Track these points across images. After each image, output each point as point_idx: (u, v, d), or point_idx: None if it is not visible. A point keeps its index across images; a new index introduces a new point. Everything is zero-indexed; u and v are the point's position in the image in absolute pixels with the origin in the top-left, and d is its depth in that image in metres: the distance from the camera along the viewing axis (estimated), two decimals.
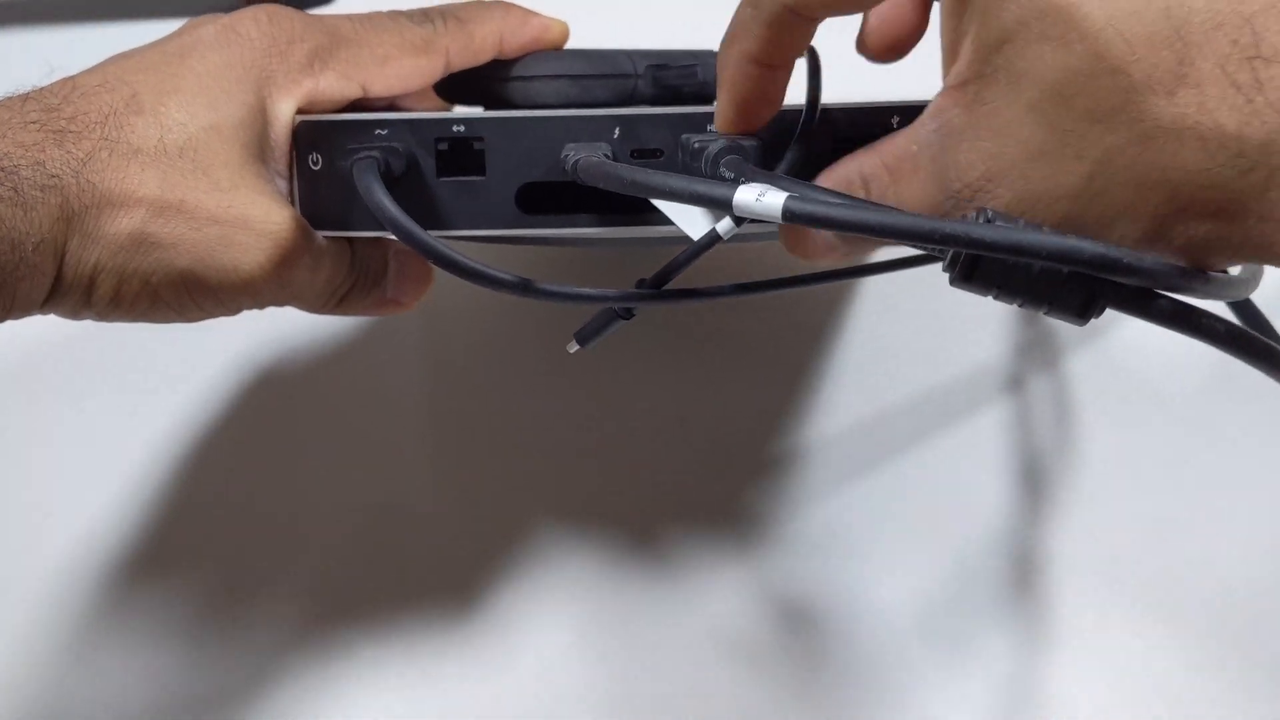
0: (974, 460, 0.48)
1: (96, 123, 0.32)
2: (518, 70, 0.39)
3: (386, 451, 0.49)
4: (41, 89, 0.33)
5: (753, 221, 0.27)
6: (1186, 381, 0.49)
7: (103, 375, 0.50)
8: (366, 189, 0.32)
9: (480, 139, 0.34)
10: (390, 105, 0.40)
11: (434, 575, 0.47)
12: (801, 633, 0.47)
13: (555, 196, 0.35)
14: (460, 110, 0.35)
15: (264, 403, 0.50)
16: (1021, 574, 0.47)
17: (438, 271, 0.40)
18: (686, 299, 0.33)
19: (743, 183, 0.26)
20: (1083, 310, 0.24)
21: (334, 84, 0.36)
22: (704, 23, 0.50)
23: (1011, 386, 0.49)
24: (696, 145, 0.32)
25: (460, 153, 0.34)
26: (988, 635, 0.46)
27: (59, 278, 0.32)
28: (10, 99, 0.32)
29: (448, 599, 0.47)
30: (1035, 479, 0.48)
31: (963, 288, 0.25)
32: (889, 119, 0.32)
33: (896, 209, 0.25)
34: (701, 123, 0.34)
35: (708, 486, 0.48)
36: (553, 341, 0.48)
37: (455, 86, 0.41)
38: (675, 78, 0.40)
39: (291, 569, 0.47)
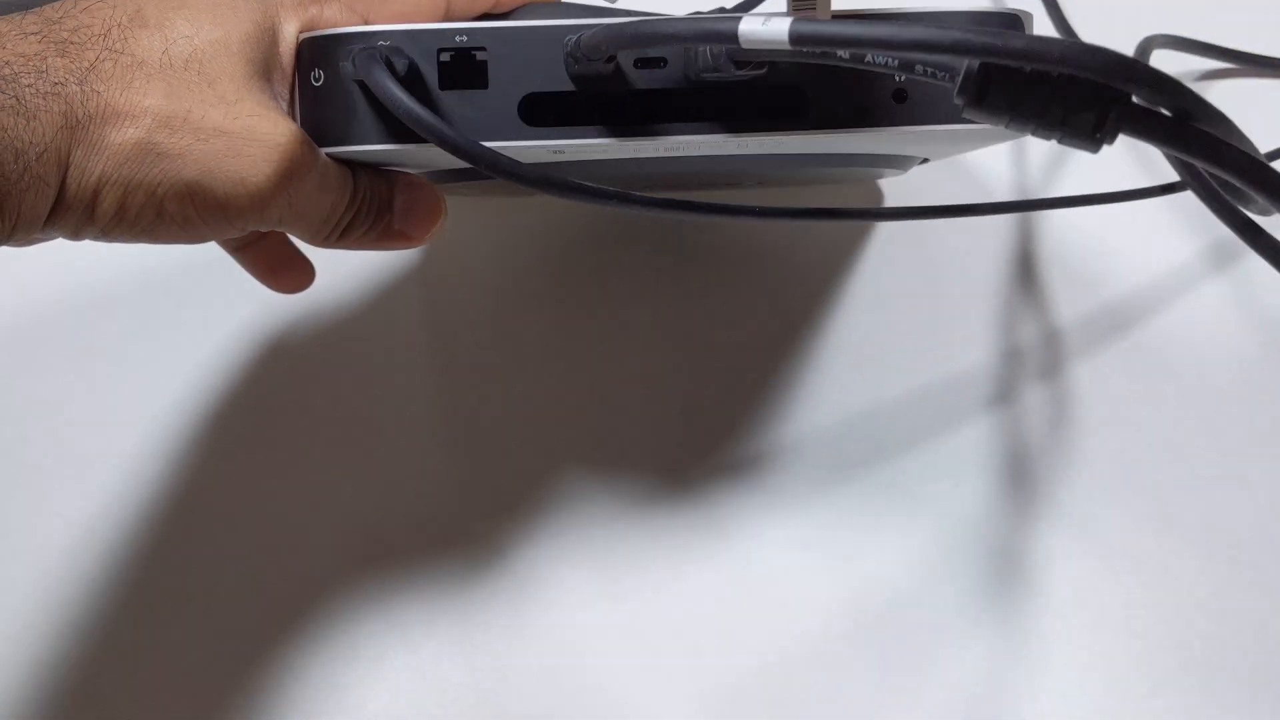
0: (964, 455, 0.48)
1: (99, 34, 0.32)
2: (519, 18, 0.39)
3: (393, 421, 0.49)
4: (41, 7, 0.33)
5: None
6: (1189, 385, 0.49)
7: (103, 350, 0.50)
8: (372, 78, 0.32)
9: (483, 49, 0.34)
10: None
11: (450, 535, 0.47)
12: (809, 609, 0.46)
13: (560, 109, 0.34)
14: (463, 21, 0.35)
15: (266, 378, 0.50)
16: (1011, 572, 0.46)
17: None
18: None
19: (746, 14, 0.26)
20: (1095, 131, 0.24)
21: (337, 14, 0.36)
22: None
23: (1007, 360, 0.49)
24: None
25: (463, 64, 0.34)
26: (973, 633, 0.45)
27: (63, 189, 0.31)
28: (8, 16, 0.32)
29: (468, 557, 0.46)
30: (1026, 479, 0.48)
31: (974, 115, 0.24)
32: None
33: (908, 24, 0.25)
34: None
35: (693, 475, 0.48)
36: (558, 296, 0.50)
37: None
38: None
39: (303, 536, 0.47)
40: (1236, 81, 0.56)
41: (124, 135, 0.31)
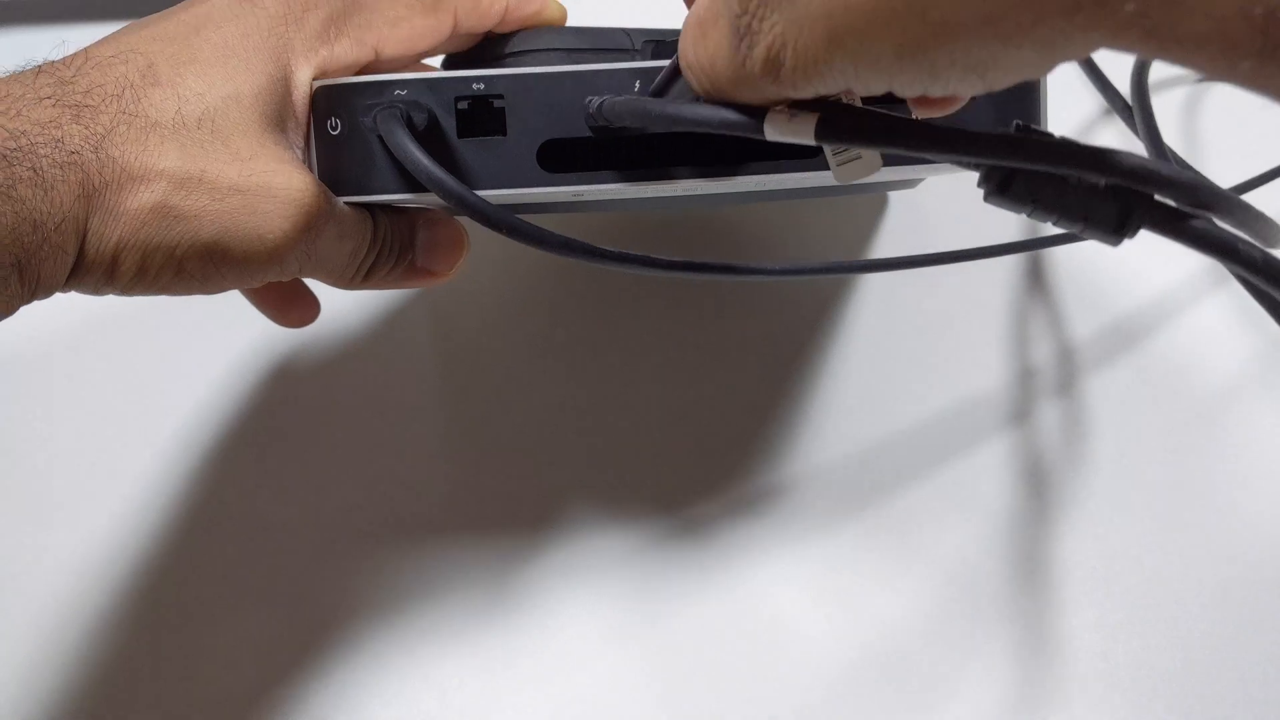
0: (981, 469, 0.48)
1: (113, 95, 0.32)
2: (514, 46, 0.40)
3: (401, 441, 0.49)
4: (54, 61, 0.33)
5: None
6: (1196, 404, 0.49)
7: (108, 373, 0.50)
8: (393, 139, 0.32)
9: (500, 96, 0.34)
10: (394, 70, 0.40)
11: (459, 560, 0.47)
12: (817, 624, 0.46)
13: (577, 154, 0.34)
14: (480, 69, 0.35)
15: (275, 394, 0.50)
16: (1027, 584, 0.46)
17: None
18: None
19: (770, 113, 0.26)
20: (1118, 227, 0.24)
21: (349, 50, 0.36)
22: None
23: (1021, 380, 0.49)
24: None
25: (480, 112, 0.34)
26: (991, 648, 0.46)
27: (81, 254, 0.31)
28: (22, 73, 0.32)
29: (477, 581, 0.47)
30: (1042, 491, 0.48)
31: (996, 203, 0.25)
32: None
33: (939, 122, 0.25)
34: None
35: (708, 489, 0.48)
36: (565, 325, 0.50)
37: (452, 65, 0.41)
38: (673, 51, 0.41)
39: (315, 557, 0.47)
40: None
41: (140, 200, 0.32)
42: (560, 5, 0.41)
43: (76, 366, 0.50)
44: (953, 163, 0.25)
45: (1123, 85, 0.52)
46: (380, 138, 0.34)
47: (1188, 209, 0.24)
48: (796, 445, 0.48)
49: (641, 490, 0.48)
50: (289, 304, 0.43)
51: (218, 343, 0.50)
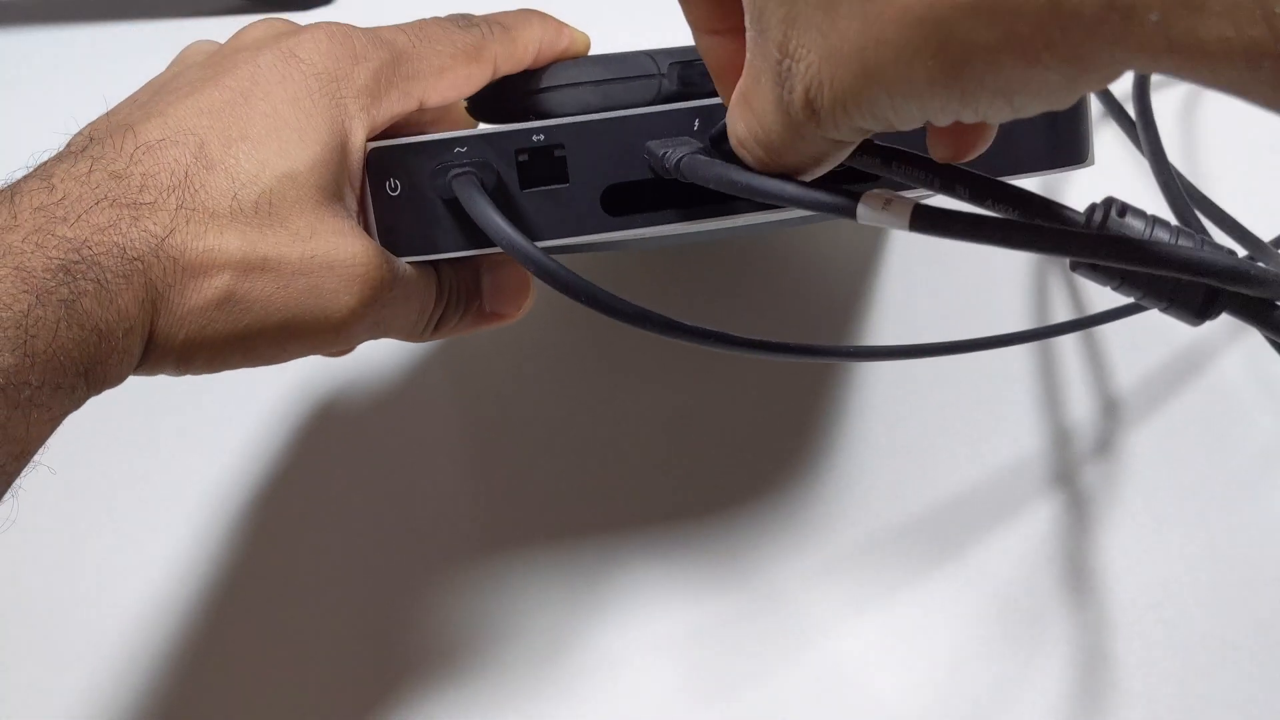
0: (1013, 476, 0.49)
1: (169, 188, 0.31)
2: (544, 82, 0.40)
3: (423, 468, 0.49)
4: (100, 142, 0.32)
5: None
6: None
7: (150, 411, 0.50)
8: (475, 206, 0.32)
9: (560, 146, 0.34)
10: (424, 120, 0.40)
11: (473, 588, 0.47)
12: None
13: (639, 196, 0.35)
14: (534, 120, 0.35)
15: (301, 421, 0.50)
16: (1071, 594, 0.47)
17: None
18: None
19: (866, 195, 0.26)
20: (1201, 312, 0.25)
21: (397, 102, 0.36)
22: None
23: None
24: None
25: (541, 162, 0.35)
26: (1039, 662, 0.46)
27: (147, 351, 0.31)
28: (73, 164, 0.31)
29: (492, 615, 0.47)
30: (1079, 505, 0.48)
31: (1085, 276, 0.26)
32: None
33: (1027, 219, 0.26)
34: None
35: (740, 499, 0.49)
36: (593, 351, 0.50)
37: (478, 105, 0.41)
38: (700, 74, 0.41)
39: (330, 588, 0.48)
40: None
41: (205, 294, 0.31)
42: (584, 36, 0.41)
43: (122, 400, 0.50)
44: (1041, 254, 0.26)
45: (1120, 92, 0.53)
46: (444, 200, 0.34)
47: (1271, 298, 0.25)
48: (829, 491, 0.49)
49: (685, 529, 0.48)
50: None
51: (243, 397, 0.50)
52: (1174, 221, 0.26)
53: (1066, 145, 0.36)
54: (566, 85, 0.40)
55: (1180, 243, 0.25)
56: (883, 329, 0.51)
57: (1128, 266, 0.24)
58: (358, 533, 0.48)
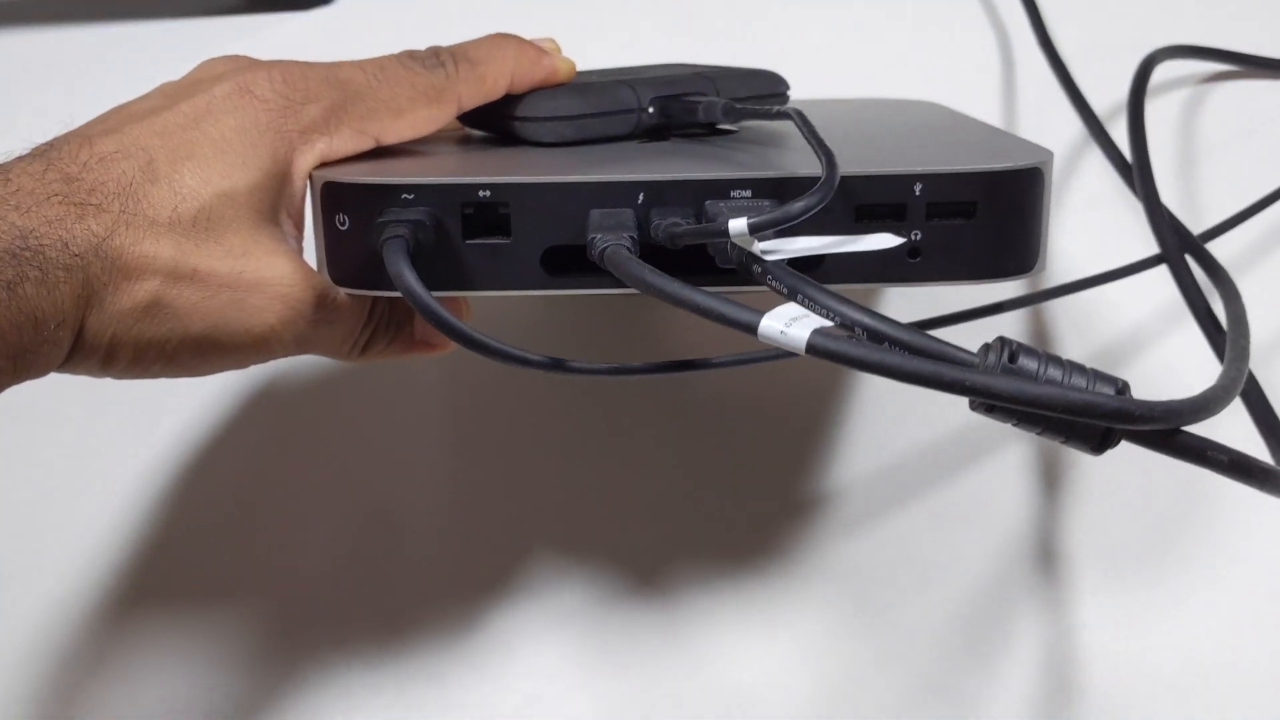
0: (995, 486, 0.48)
1: (115, 194, 0.33)
2: (522, 110, 0.40)
3: (394, 469, 0.50)
4: (58, 148, 0.33)
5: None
6: None
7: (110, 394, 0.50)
8: (399, 275, 0.32)
9: (506, 204, 0.34)
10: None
11: (434, 594, 0.48)
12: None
13: (579, 260, 0.35)
14: (484, 175, 0.35)
15: (269, 414, 0.51)
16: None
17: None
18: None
19: (767, 314, 0.27)
20: (1100, 445, 0.25)
21: (349, 140, 0.37)
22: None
23: None
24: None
25: (486, 216, 0.35)
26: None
27: (75, 347, 0.33)
28: (30, 163, 0.33)
29: (448, 618, 0.47)
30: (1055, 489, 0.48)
31: (985, 415, 0.26)
32: (911, 186, 0.33)
33: (921, 353, 0.26)
34: (725, 189, 0.34)
35: (719, 526, 0.48)
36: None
37: (464, 116, 0.41)
38: (680, 111, 0.41)
39: (287, 581, 0.48)
40: (1241, 83, 0.56)
41: (134, 296, 0.33)
42: (569, 62, 0.41)
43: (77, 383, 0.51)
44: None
45: (1104, 104, 0.52)
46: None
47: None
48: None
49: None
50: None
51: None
52: (1066, 357, 0.25)
53: (1016, 253, 0.35)
54: (543, 119, 0.40)
55: (1073, 381, 0.25)
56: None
57: (1020, 409, 0.24)
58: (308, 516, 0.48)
